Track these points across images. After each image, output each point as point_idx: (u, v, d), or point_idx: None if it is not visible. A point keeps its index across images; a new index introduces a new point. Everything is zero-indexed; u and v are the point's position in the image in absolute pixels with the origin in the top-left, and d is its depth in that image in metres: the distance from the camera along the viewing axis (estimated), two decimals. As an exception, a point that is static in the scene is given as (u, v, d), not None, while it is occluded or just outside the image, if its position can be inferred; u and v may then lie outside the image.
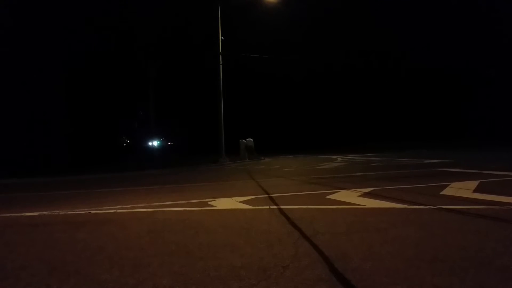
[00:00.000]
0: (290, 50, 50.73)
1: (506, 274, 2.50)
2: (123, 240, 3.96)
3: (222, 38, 22.72)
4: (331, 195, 6.45)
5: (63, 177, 15.18)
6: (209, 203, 6.25)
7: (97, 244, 3.80)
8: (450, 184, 7.12)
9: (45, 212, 6.00)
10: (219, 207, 5.84)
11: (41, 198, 8.71)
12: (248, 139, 26.34)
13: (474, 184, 6.97)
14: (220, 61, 22.70)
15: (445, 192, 6.24)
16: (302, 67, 49.96)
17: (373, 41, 50.49)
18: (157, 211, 5.75)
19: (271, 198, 6.44)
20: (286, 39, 50.77)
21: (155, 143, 37.05)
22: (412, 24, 52.68)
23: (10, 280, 2.83)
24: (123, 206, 6.28)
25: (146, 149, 40.52)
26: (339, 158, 22.00)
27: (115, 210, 5.92)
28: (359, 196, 6.26)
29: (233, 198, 6.69)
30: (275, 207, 5.51)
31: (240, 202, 6.20)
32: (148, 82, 29.18)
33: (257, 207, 5.62)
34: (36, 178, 14.88)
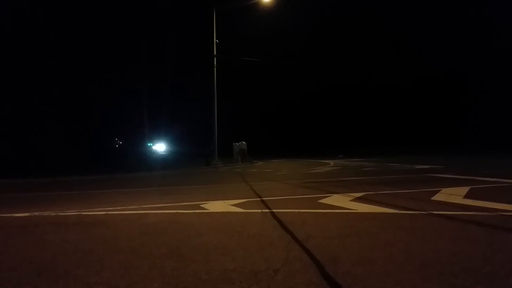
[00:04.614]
0: (286, 55, 51.12)
1: (494, 280, 2.53)
2: (114, 242, 3.93)
3: (217, 41, 22.77)
4: (323, 199, 6.47)
5: (53, 178, 15.04)
6: (201, 205, 6.23)
7: (88, 246, 3.77)
8: (441, 189, 7.18)
9: (35, 213, 5.93)
10: (212, 210, 5.83)
11: (31, 198, 8.62)
12: (241, 142, 26.32)
13: (464, 190, 7.03)
14: (214, 64, 22.72)
15: (436, 197, 6.29)
16: (297, 72, 50.28)
17: (368, 45, 50.93)
18: (148, 213, 5.72)
19: (263, 202, 6.43)
20: (282, 45, 51.10)
21: (161, 146, 35.02)
22: (410, 27, 53.21)
23: (-2, 281, 2.79)
24: (114, 208, 6.23)
25: (140, 151, 40.07)
26: (331, 162, 22.08)
27: (106, 212, 5.88)
28: (351, 200, 6.28)
29: (225, 201, 6.68)
30: (267, 210, 5.51)
31: (232, 205, 6.19)
32: (142, 84, 29.15)
33: (249, 211, 5.61)
34: (26, 179, 14.73)
